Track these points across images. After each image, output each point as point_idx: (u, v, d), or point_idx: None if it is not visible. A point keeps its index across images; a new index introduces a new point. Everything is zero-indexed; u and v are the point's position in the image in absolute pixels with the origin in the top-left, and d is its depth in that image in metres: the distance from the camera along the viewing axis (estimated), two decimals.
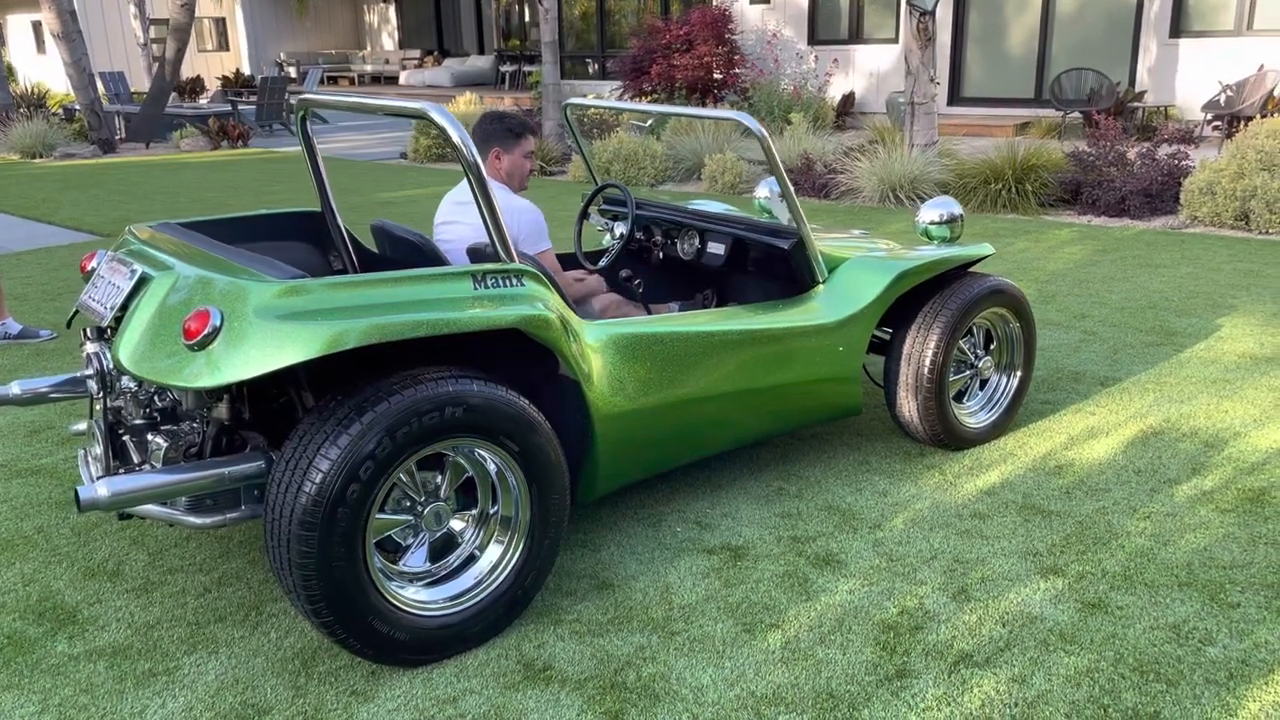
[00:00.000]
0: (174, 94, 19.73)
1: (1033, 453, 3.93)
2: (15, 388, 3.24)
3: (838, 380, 3.67)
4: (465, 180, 3.91)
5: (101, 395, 2.87)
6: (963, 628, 2.81)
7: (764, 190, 4.86)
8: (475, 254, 3.37)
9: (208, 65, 28.88)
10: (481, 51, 28.39)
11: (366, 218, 8.80)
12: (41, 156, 15.15)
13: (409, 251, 3.48)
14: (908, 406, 3.84)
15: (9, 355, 5.42)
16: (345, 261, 3.80)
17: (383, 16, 30.66)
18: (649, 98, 15.77)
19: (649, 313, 4.11)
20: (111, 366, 2.85)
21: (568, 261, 4.33)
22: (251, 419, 2.88)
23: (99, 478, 2.83)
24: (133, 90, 21.88)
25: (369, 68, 28.97)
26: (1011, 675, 2.60)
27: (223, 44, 29.97)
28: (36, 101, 20.40)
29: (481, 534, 2.87)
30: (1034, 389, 4.58)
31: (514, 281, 2.84)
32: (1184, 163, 8.93)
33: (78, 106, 16.28)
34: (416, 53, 28.53)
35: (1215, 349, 5.10)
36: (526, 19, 26.88)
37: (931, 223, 4.16)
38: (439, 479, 2.80)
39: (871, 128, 11.75)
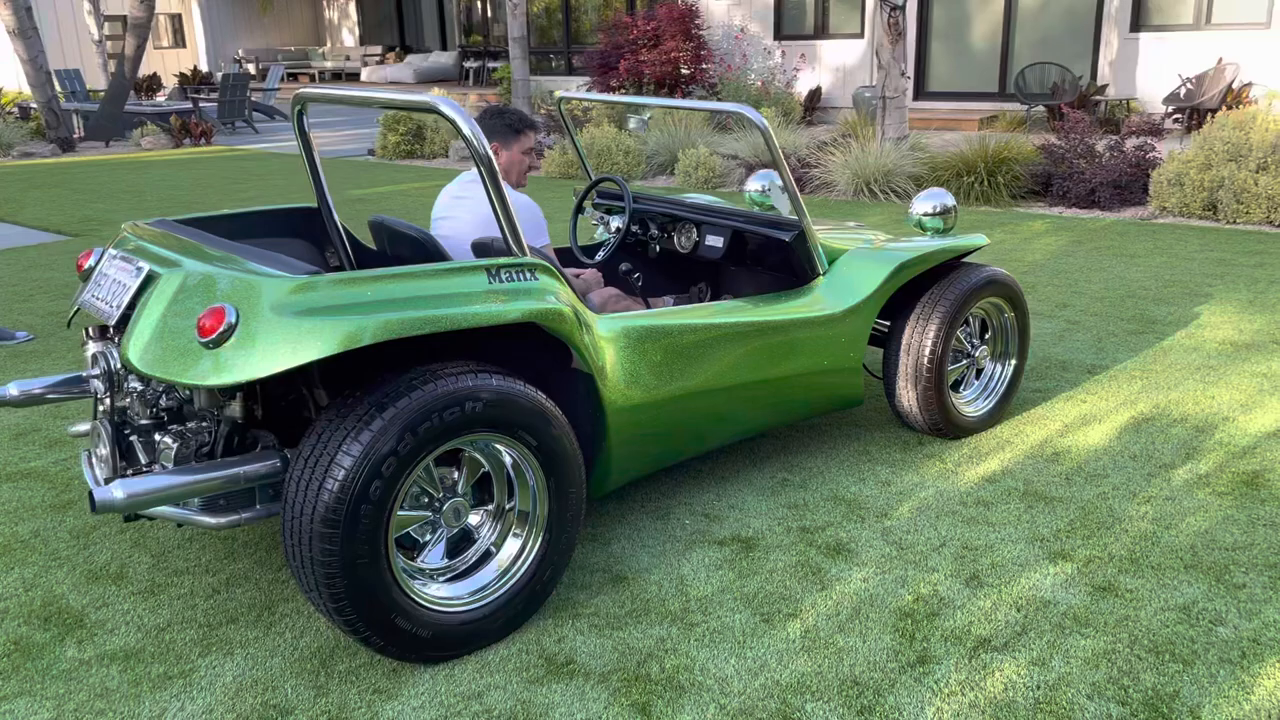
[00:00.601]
0: (131, 92, 19.40)
1: (1029, 440, 3.98)
2: (13, 389, 3.17)
3: (841, 371, 3.70)
4: (462, 175, 3.90)
5: (108, 395, 2.83)
6: (978, 613, 2.84)
7: (756, 184, 4.86)
8: (481, 248, 3.35)
9: (164, 62, 28.43)
10: (444, 47, 28.21)
11: (342, 215, 8.72)
12: None
13: (411, 247, 3.45)
14: (907, 396, 3.87)
15: None
16: (342, 258, 3.77)
17: (343, 12, 30.36)
18: (618, 93, 15.75)
19: (648, 307, 4.11)
20: (119, 366, 2.80)
21: (563, 256, 4.32)
22: (263, 418, 2.84)
23: (107, 479, 2.80)
24: (88, 88, 21.48)
25: (329, 64, 28.69)
26: (1030, 659, 2.63)
27: (179, 41, 29.52)
28: None
29: (498, 529, 2.86)
30: (1024, 378, 4.64)
31: (528, 275, 2.83)
32: (1150, 154, 9.08)
33: (34, 105, 15.98)
34: (378, 49, 28.30)
35: (1196, 336, 5.19)
36: (489, 15, 26.73)
37: (925, 214, 4.19)
38: (455, 475, 2.78)
39: (841, 122, 11.82)
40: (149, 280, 2.73)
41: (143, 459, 2.84)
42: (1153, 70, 13.81)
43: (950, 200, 4.21)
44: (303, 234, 3.82)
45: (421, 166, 13.31)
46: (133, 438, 2.85)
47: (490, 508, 2.87)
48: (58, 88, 17.37)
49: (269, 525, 3.41)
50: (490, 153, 2.78)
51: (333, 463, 2.44)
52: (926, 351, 3.77)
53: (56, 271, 7.31)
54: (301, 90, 3.39)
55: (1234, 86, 12.78)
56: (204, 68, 27.87)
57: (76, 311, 3.09)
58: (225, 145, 16.20)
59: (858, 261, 3.80)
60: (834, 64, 16.47)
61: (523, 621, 2.82)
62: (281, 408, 2.91)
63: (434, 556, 2.79)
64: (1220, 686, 2.50)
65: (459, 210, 3.77)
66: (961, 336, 4.02)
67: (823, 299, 3.67)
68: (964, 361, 4.04)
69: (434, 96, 2.84)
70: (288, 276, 2.53)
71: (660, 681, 2.59)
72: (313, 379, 2.80)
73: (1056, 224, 8.21)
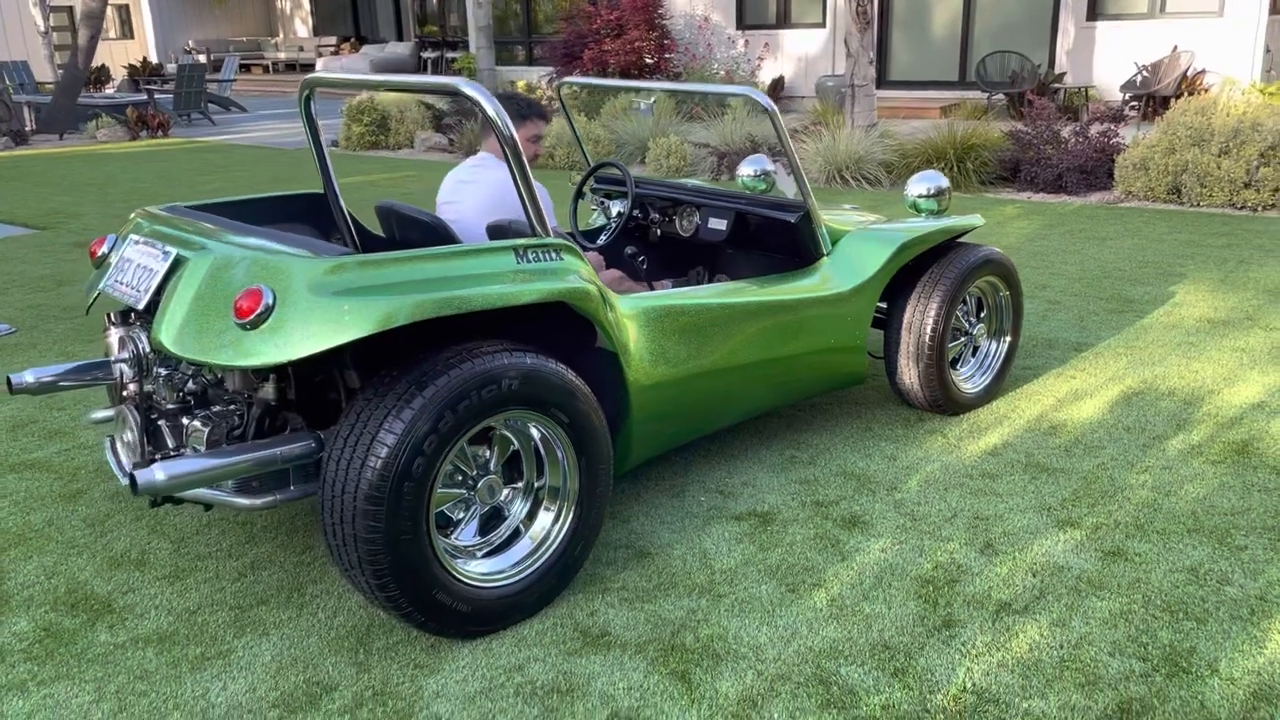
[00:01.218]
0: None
1: (1025, 415, 4.09)
2: (29, 376, 3.15)
3: (847, 349, 3.77)
4: (468, 160, 3.92)
5: (136, 380, 2.82)
6: (996, 579, 2.93)
7: (749, 169, 4.92)
8: (499, 230, 3.37)
9: (111, 54, 27.85)
10: (400, 38, 27.93)
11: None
12: None
13: (421, 231, 3.46)
14: (909, 374, 3.96)
15: None
16: (349, 243, 3.77)
17: (295, 3, 29.96)
18: None
19: (651, 290, 4.16)
20: (148, 350, 2.80)
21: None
22: (294, 399, 2.86)
23: (136, 465, 2.79)
24: (36, 81, 21.02)
25: (282, 55, 28.33)
26: (1051, 620, 2.72)
27: (126, 32, 28.95)
28: None
29: (527, 506, 2.90)
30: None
31: (553, 255, 2.86)
32: (1114, 140, 9.28)
33: None
34: (332, 40, 27.97)
35: (1174, 314, 5.34)
36: (445, 4, 26.53)
37: (920, 196, 4.27)
38: (486, 453, 2.82)
39: (810, 110, 11.91)
40: (177, 264, 2.73)
41: (170, 443, 2.84)
42: (1109, 58, 14.08)
43: (944, 182, 4.30)
44: (309, 220, 3.82)
45: (388, 157, 13.23)
46: (160, 422, 2.85)
47: (519, 485, 2.91)
48: (6, 80, 17.00)
49: (285, 510, 3.41)
50: (515, 134, 2.81)
51: (375, 441, 2.46)
52: (928, 330, 3.86)
53: (28, 265, 7.19)
54: (311, 75, 3.39)
55: (1189, 74, 13.07)
56: (154, 59, 27.36)
57: (97, 298, 3.07)
58: (183, 137, 15.97)
59: (861, 242, 3.88)
60: (796, 53, 16.58)
61: (555, 596, 2.86)
62: (309, 390, 2.92)
63: (467, 534, 2.83)
64: (1234, 641, 2.61)
65: (466, 194, 3.79)
66: (959, 315, 4.11)
67: (830, 278, 3.75)
68: (962, 339, 4.13)
69: (456, 79, 2.86)
70: (323, 258, 2.55)
71: (695, 650, 2.65)
72: (344, 360, 2.82)
73: (1027, 209, 8.37)
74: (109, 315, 2.98)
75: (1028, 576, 2.94)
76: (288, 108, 20.82)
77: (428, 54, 24.71)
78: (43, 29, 22.43)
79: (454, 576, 2.63)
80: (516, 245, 2.81)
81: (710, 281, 4.54)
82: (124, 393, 2.93)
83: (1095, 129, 9.52)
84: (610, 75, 15.26)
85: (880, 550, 3.11)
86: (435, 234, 3.40)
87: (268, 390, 2.79)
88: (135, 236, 2.96)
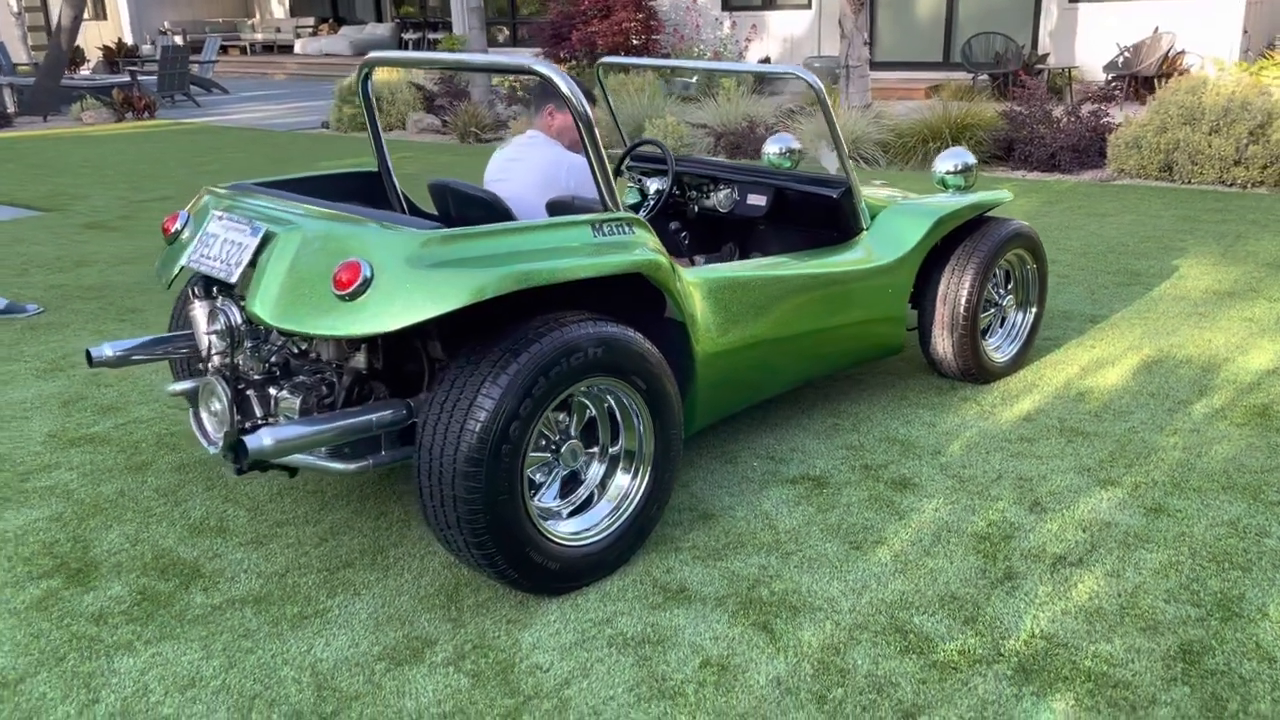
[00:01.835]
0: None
1: (1053, 383, 4.25)
2: (108, 350, 3.23)
3: (889, 320, 3.92)
4: (515, 139, 4.02)
5: (227, 352, 2.91)
6: (1048, 535, 3.09)
7: (774, 146, 5.05)
8: (560, 206, 3.47)
9: (85, 35, 27.49)
10: (379, 19, 27.77)
11: None
12: None
13: (479, 209, 3.56)
14: (943, 344, 4.11)
15: (1, 332, 5.27)
16: None
17: None
18: (567, 65, 15.79)
19: (692, 265, 4.28)
20: (240, 322, 2.88)
21: None
22: (380, 369, 2.96)
23: (226, 432, 2.89)
24: (13, 63, 20.76)
25: (259, 36, 28.10)
26: (1106, 571, 2.88)
27: (100, 12, 28.57)
28: None
29: (603, 470, 3.02)
30: None
31: (626, 229, 2.98)
32: (1105, 120, 9.47)
33: None
34: (310, 20, 27.76)
35: (1181, 286, 5.53)
36: None
37: (948, 172, 4.42)
38: (565, 419, 2.93)
39: (803, 91, 12.02)
40: (267, 239, 2.82)
41: (258, 413, 2.94)
42: (1091, 39, 14.30)
43: (971, 158, 4.44)
44: (361, 197, 3.91)
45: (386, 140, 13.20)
46: (248, 392, 2.94)
47: (594, 450, 3.03)
48: None
49: (355, 479, 3.51)
50: (589, 110, 2.92)
51: (473, 406, 2.57)
52: (963, 301, 4.01)
53: (41, 246, 7.21)
54: (372, 55, 3.47)
55: (1170, 55, 13.30)
56: (128, 40, 27.05)
57: (179, 273, 3.15)
58: (169, 119, 15.87)
59: (900, 216, 4.02)
60: (782, 35, 16.70)
61: (631, 555, 2.99)
62: (392, 360, 3.03)
63: (548, 496, 2.95)
64: None
65: (515, 172, 3.88)
66: (989, 287, 4.26)
67: (873, 251, 3.88)
68: (991, 310, 4.29)
69: (529, 59, 2.97)
70: (418, 231, 2.65)
71: (772, 604, 2.79)
72: (430, 331, 2.92)
73: (1023, 187, 8.55)
74: (192, 289, 3.07)
75: (1078, 532, 3.10)
76: (268, 89, 20.73)
77: (409, 35, 24.60)
78: (15, 9, 22.18)
79: (544, 536, 2.75)
80: (593, 219, 2.92)
81: (741, 257, 4.66)
82: (208, 364, 3.02)
83: (1086, 109, 9.71)
84: (599, 56, 15.30)
85: (934, 510, 3.26)
86: (493, 211, 3.50)
87: (359, 360, 2.89)
88: (217, 212, 3.04)
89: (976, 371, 4.17)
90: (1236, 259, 6.02)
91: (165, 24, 27.99)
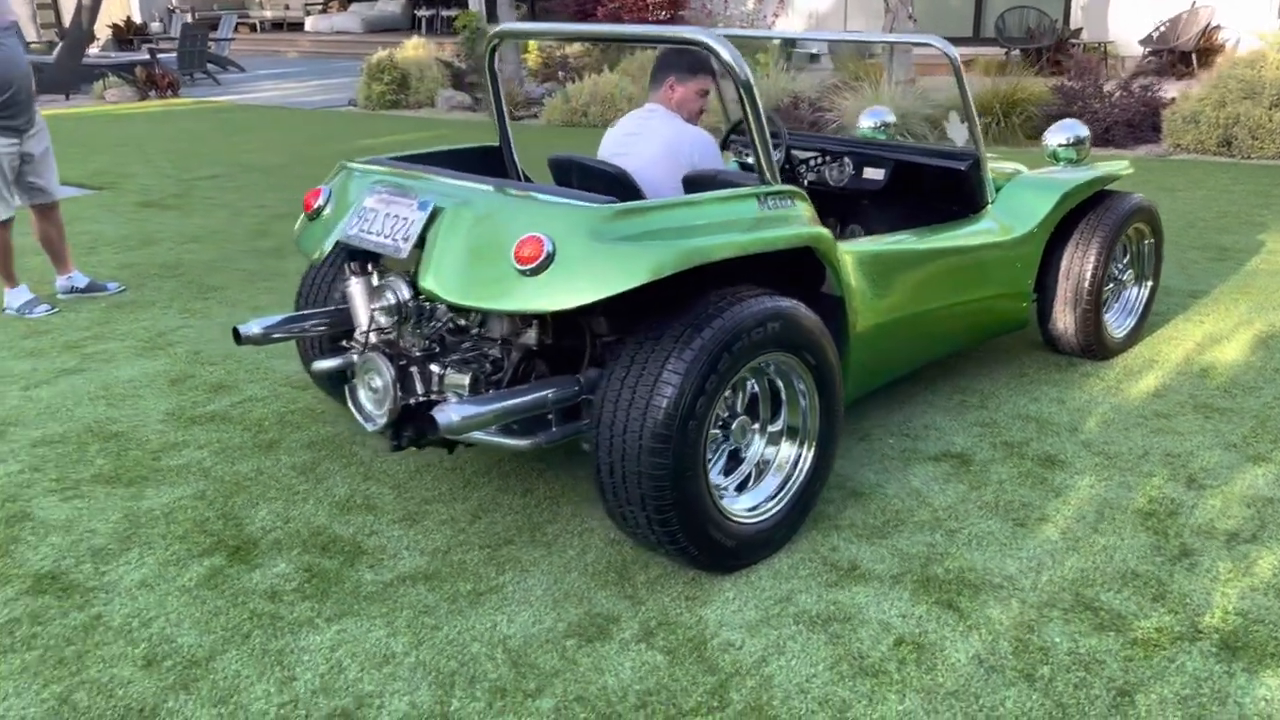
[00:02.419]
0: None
1: (1172, 359, 4.22)
2: (255, 327, 3.19)
3: (1016, 295, 3.88)
4: (634, 112, 3.96)
5: (394, 328, 2.87)
6: (1214, 511, 3.06)
7: (869, 120, 5.00)
8: (694, 182, 3.42)
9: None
10: None
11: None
12: None
13: (606, 183, 3.50)
14: (1064, 319, 4.07)
15: (87, 309, 5.22)
16: None
17: None
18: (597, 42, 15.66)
19: None
20: (407, 298, 2.83)
21: None
22: (548, 345, 2.92)
23: (391, 410, 2.84)
24: (29, 42, 20.60)
25: (269, 14, 27.86)
26: None
27: None
28: None
29: (765, 446, 2.98)
30: None
31: (789, 202, 2.93)
32: (1156, 93, 9.40)
33: None
34: None
35: (1272, 261, 5.49)
36: None
37: (1060, 145, 4.36)
38: (730, 395, 2.89)
39: (845, 68, 11.93)
40: (435, 213, 2.77)
41: (419, 389, 2.89)
42: (1124, 14, 14.18)
43: (1084, 131, 4.39)
44: (484, 172, 3.85)
45: (410, 116, 13.14)
46: (411, 369, 2.90)
47: (756, 426, 2.99)
48: None
49: (493, 456, 3.47)
50: (752, 80, 2.87)
51: (659, 381, 2.53)
52: (1088, 275, 3.96)
53: (102, 225, 7.14)
54: (503, 26, 3.42)
55: (1208, 29, 13.20)
56: (137, 18, 26.80)
57: (334, 247, 3.09)
58: (192, 98, 15.74)
59: (1025, 189, 3.97)
60: (807, 10, 16.57)
61: (794, 533, 2.96)
62: (558, 336, 2.98)
63: (714, 473, 2.91)
64: None
65: (636, 146, 3.81)
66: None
67: (1003, 224, 3.84)
68: (1110, 284, 4.24)
69: (695, 30, 2.91)
70: (599, 207, 2.61)
71: (950, 581, 2.76)
72: (596, 307, 2.87)
73: None
74: (349, 265, 3.01)
75: (1242, 508, 3.07)
76: (283, 67, 20.57)
77: (422, 11, 24.37)
78: None
79: (722, 512, 2.72)
80: (758, 192, 2.88)
81: (844, 233, 4.61)
82: (364, 341, 2.97)
83: (1138, 83, 9.65)
84: None
85: (1089, 486, 3.23)
86: (620, 185, 3.44)
87: (529, 336, 2.84)
88: (377, 186, 2.99)
89: (1096, 347, 4.13)
90: None
91: (173, 2, 27.73)
